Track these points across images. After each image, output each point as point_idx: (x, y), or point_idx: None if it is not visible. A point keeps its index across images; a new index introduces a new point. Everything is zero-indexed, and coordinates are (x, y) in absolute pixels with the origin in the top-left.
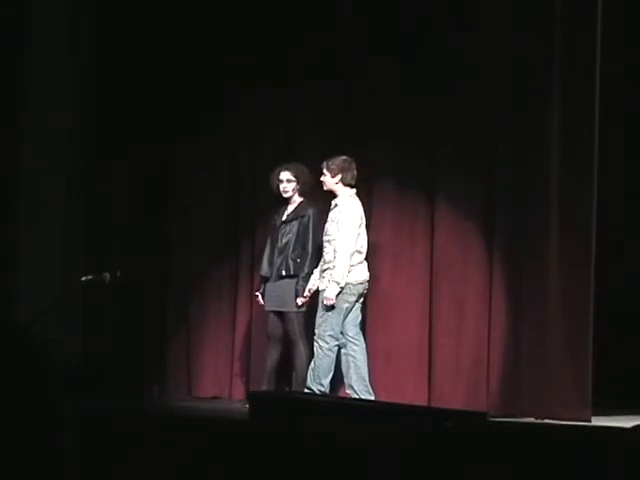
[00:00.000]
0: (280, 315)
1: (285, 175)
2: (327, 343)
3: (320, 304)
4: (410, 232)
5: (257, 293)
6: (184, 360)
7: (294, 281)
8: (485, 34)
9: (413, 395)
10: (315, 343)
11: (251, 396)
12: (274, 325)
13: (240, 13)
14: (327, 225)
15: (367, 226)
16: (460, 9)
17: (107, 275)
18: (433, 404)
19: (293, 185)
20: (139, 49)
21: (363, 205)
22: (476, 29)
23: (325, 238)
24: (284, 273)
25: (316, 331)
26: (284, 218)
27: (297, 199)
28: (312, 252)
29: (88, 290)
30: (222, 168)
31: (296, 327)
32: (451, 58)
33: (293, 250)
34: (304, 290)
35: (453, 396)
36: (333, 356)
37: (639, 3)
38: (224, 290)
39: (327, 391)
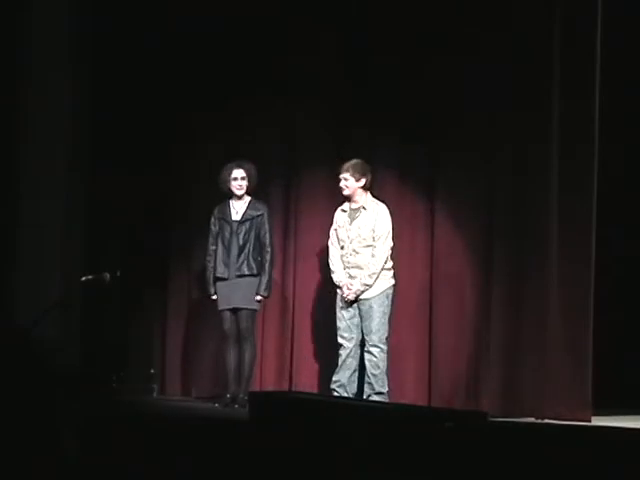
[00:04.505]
0: (235, 313)
1: (239, 173)
2: (386, 346)
3: (369, 311)
4: (410, 233)
5: (213, 296)
6: (183, 360)
7: (255, 279)
8: (485, 34)
9: (413, 395)
10: (374, 349)
11: (251, 396)
12: (232, 324)
13: (240, 14)
14: (358, 231)
15: None
16: (460, 9)
17: (107, 275)
18: (433, 404)
19: (245, 183)
20: (139, 49)
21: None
22: (476, 29)
23: (353, 245)
24: (247, 272)
25: (373, 337)
26: (239, 218)
27: (247, 197)
28: (272, 250)
29: (88, 290)
30: (222, 168)
31: (251, 324)
32: (451, 58)
33: (254, 249)
34: (265, 287)
35: (453, 396)
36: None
37: (639, 3)
38: None
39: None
